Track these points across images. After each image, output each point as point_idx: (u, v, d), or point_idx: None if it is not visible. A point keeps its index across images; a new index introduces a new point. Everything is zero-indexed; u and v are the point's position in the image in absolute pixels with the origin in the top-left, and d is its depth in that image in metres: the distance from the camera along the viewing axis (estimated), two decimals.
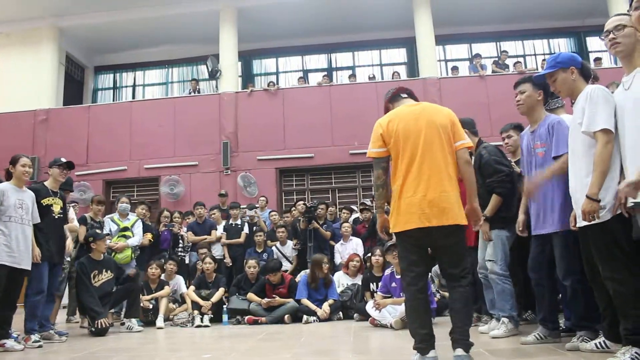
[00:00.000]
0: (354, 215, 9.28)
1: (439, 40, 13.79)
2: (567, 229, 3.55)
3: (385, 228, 3.40)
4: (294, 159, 12.58)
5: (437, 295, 6.38)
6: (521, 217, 4.14)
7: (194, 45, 15.03)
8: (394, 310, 5.64)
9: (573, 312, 3.78)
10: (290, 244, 8.52)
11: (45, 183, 5.78)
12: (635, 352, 2.85)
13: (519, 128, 4.70)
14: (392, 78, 13.68)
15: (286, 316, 6.70)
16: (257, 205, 9.85)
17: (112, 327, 6.26)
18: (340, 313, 6.86)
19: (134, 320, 6.37)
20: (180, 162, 12.64)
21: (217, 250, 8.72)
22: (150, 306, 6.94)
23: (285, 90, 13.41)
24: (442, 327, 5.23)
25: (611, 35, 3.02)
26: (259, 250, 8.38)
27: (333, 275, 7.33)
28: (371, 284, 6.72)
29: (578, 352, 3.41)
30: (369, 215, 8.76)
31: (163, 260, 7.59)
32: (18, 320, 5.22)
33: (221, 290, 7.26)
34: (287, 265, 8.29)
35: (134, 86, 16.37)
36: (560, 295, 4.19)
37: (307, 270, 7.32)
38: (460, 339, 3.09)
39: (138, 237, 7.55)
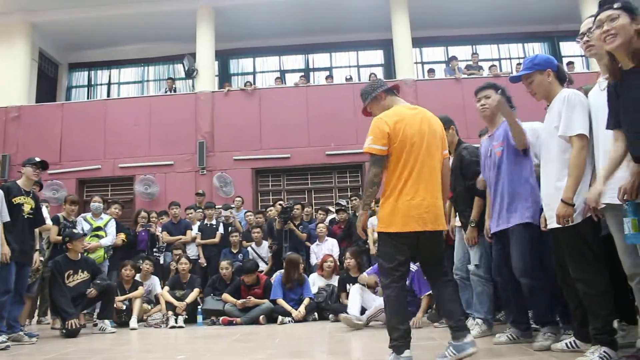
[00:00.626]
0: (330, 216, 9.29)
1: (415, 43, 13.88)
2: (526, 221, 3.64)
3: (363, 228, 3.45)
4: (270, 159, 12.54)
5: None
6: (487, 223, 4.15)
7: (171, 44, 14.89)
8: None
9: (533, 309, 3.83)
10: (265, 244, 8.50)
11: (18, 182, 5.69)
12: (604, 351, 2.91)
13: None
14: (369, 79, 13.72)
15: (261, 317, 6.70)
16: (232, 206, 9.81)
17: (84, 329, 6.19)
18: (316, 314, 6.88)
19: (107, 322, 6.30)
20: (156, 162, 12.51)
21: (192, 251, 8.67)
22: (124, 307, 6.88)
23: (262, 91, 13.36)
24: (417, 331, 5.28)
25: (585, 38, 3.08)
26: (235, 251, 8.34)
27: (308, 277, 7.34)
28: (347, 285, 6.74)
29: (549, 352, 3.47)
30: (344, 216, 8.79)
31: (141, 261, 7.52)
32: None
33: (196, 290, 7.22)
34: (262, 266, 8.27)
35: (109, 84, 16.13)
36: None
37: (282, 271, 7.32)
38: (465, 326, 3.22)
39: (111, 237, 7.47)
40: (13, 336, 5.26)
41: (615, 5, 2.61)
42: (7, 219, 5.19)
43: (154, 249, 8.43)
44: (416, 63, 14.86)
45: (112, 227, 7.54)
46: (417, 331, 5.29)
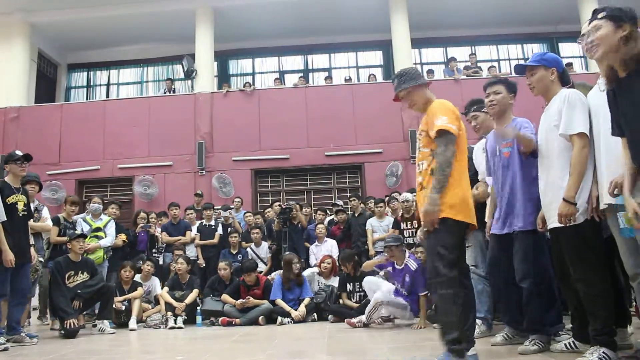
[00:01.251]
0: (328, 218, 9.29)
1: (414, 44, 13.89)
2: (531, 228, 3.58)
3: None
4: (269, 160, 12.54)
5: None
6: (489, 222, 4.09)
7: (170, 45, 14.90)
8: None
9: (527, 315, 3.72)
10: (265, 245, 8.51)
11: (6, 179, 5.52)
12: (604, 352, 2.92)
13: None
14: (368, 80, 13.77)
15: (260, 318, 6.70)
16: (231, 207, 9.81)
17: (83, 329, 6.19)
18: (315, 314, 6.88)
19: (106, 322, 6.29)
20: (155, 162, 12.50)
21: (191, 252, 8.67)
22: (123, 307, 6.87)
23: (261, 91, 13.35)
24: (416, 332, 5.28)
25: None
26: (234, 252, 8.35)
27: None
28: (348, 285, 6.75)
29: (548, 352, 3.47)
30: (344, 217, 8.79)
31: (141, 262, 7.52)
32: None
33: (195, 291, 7.22)
34: (261, 267, 8.27)
35: (108, 85, 16.14)
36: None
37: (281, 271, 7.32)
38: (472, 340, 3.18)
39: (111, 237, 7.47)
40: (14, 338, 5.22)
41: (599, 15, 2.61)
42: (4, 218, 5.12)
43: (153, 250, 8.43)
44: (415, 64, 14.86)
45: (111, 228, 7.53)
46: (417, 332, 5.30)
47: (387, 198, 8.91)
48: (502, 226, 3.82)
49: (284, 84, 14.47)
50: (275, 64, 15.86)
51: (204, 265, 8.64)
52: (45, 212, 6.93)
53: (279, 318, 6.63)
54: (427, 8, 13.69)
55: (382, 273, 6.22)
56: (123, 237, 7.80)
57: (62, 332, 5.77)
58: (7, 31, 13.62)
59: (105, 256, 7.35)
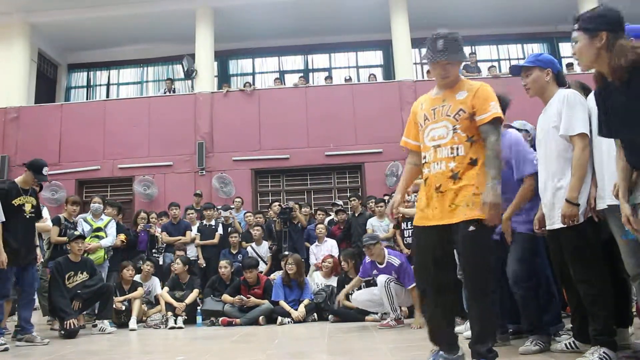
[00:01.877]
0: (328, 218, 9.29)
1: (415, 43, 13.83)
2: (530, 231, 3.58)
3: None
4: (269, 160, 12.54)
5: None
6: None
7: (170, 45, 14.87)
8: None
9: (525, 317, 3.72)
10: (265, 244, 8.50)
11: (17, 181, 5.59)
12: (604, 352, 2.92)
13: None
14: (368, 80, 13.77)
15: (260, 318, 6.70)
16: (232, 207, 9.80)
17: (83, 329, 6.19)
18: (315, 314, 6.88)
19: (106, 322, 6.29)
20: (155, 162, 12.50)
21: (192, 252, 8.67)
22: (123, 307, 6.87)
23: (261, 91, 13.35)
24: (416, 331, 5.28)
25: None
26: (234, 252, 8.35)
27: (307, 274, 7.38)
28: (346, 286, 6.75)
29: (548, 352, 3.47)
30: (344, 217, 8.79)
31: (141, 262, 7.52)
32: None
33: (195, 291, 7.21)
34: (261, 266, 8.26)
35: (108, 85, 16.12)
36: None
37: (282, 271, 7.32)
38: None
39: (111, 237, 7.45)
40: (26, 337, 5.27)
41: (575, 26, 2.54)
42: (2, 219, 5.12)
43: (153, 250, 8.43)
44: (415, 64, 14.84)
45: (112, 228, 7.52)
46: (417, 332, 5.29)
47: (387, 198, 8.90)
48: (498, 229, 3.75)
49: (284, 84, 14.46)
50: (275, 64, 15.85)
51: (204, 265, 8.64)
52: (45, 213, 6.93)
53: (279, 318, 6.64)
54: (427, 8, 13.66)
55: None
56: (122, 237, 7.79)
57: (62, 332, 5.78)
58: (7, 31, 13.59)
59: (105, 256, 7.34)
